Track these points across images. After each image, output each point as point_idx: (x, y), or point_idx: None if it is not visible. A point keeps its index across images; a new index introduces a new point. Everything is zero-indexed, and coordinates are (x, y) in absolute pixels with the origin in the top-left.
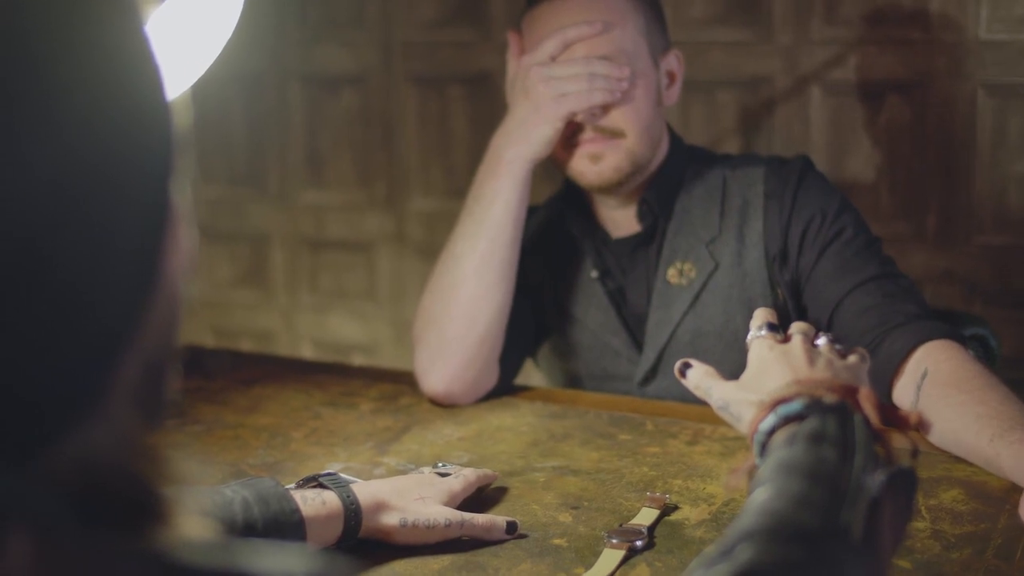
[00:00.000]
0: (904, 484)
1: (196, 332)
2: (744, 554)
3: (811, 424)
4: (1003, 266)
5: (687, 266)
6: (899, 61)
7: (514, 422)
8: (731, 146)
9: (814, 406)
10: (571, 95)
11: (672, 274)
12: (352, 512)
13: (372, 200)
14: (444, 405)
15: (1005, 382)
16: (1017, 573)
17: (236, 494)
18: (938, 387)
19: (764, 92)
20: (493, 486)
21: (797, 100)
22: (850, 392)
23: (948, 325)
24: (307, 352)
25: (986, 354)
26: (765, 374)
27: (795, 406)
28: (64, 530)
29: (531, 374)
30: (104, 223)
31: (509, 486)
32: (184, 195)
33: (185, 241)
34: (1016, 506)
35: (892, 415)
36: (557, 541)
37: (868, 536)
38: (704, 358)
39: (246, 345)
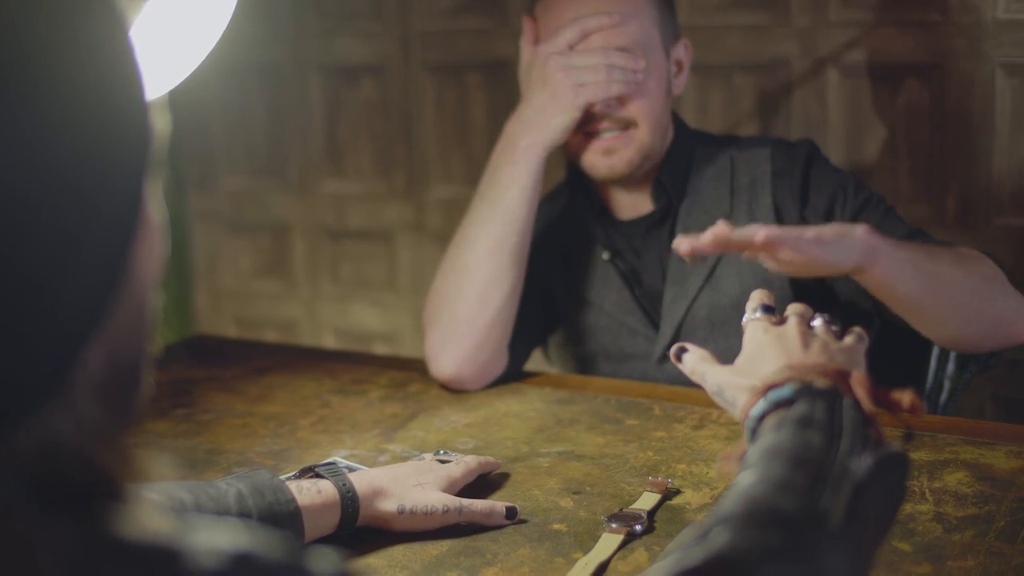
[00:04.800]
0: (895, 467)
1: (219, 322)
2: (719, 538)
3: (799, 409)
4: None
5: None
6: (917, 43)
7: (521, 408)
8: (749, 129)
9: (804, 391)
10: (589, 85)
11: None
12: (349, 500)
13: (392, 189)
14: (453, 389)
15: None
16: (1018, 555)
17: (231, 487)
18: None
19: (782, 75)
20: (496, 472)
21: (815, 83)
22: (842, 376)
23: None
24: (329, 341)
25: None
26: (759, 358)
27: (785, 391)
28: (17, 510)
29: (540, 360)
30: (70, 223)
31: (512, 472)
32: (159, 202)
33: (157, 247)
34: (1023, 488)
35: (885, 398)
36: (557, 526)
37: (850, 521)
38: (721, 331)
39: (269, 335)
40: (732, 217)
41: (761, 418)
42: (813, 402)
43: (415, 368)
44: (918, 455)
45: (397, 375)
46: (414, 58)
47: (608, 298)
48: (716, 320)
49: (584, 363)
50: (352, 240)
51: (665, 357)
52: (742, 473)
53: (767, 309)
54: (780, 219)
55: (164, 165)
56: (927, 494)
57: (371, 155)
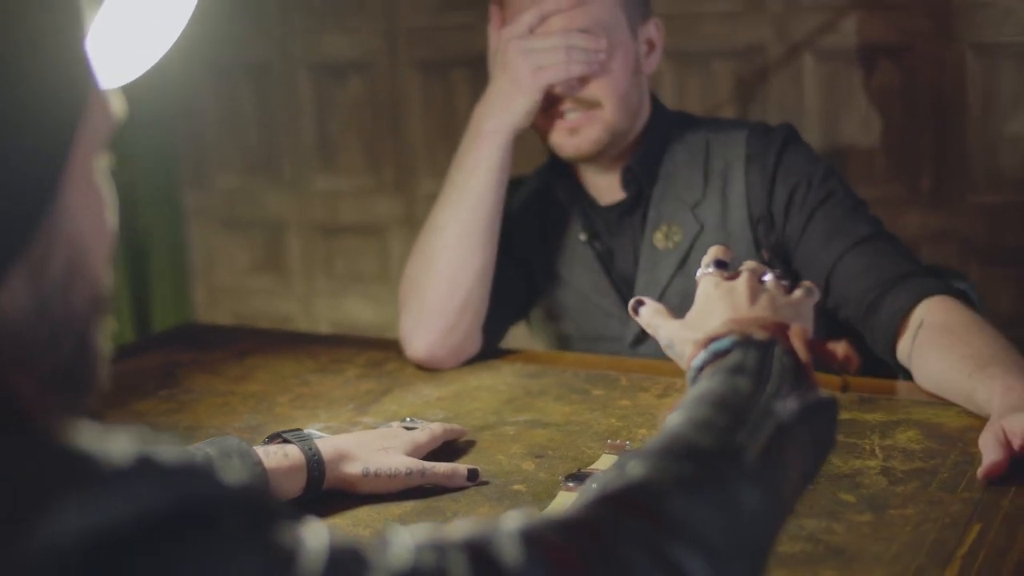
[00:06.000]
0: (822, 412)
1: (217, 319)
2: (635, 469)
3: (733, 358)
4: (997, 224)
5: (673, 230)
6: (888, 25)
7: (493, 382)
8: (727, 115)
9: (741, 342)
10: (549, 67)
11: (659, 238)
12: (315, 463)
13: (382, 184)
14: (427, 369)
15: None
16: (958, 503)
17: (199, 451)
18: (930, 334)
19: (758, 61)
20: (463, 439)
21: (790, 67)
22: (781, 328)
23: (945, 282)
24: None
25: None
26: (708, 312)
27: (724, 343)
28: None
29: (517, 338)
30: None
31: (479, 439)
32: (107, 178)
33: (102, 216)
34: (969, 444)
35: (820, 349)
36: (517, 487)
37: (767, 459)
38: None
39: None
40: (704, 202)
41: (701, 368)
42: (747, 351)
43: (393, 348)
44: (872, 416)
45: (376, 355)
46: (400, 55)
47: (583, 279)
48: (689, 308)
49: (560, 342)
50: (345, 235)
51: (638, 340)
52: (671, 415)
53: (720, 264)
54: (750, 208)
55: (115, 144)
56: (876, 451)
57: (361, 151)
